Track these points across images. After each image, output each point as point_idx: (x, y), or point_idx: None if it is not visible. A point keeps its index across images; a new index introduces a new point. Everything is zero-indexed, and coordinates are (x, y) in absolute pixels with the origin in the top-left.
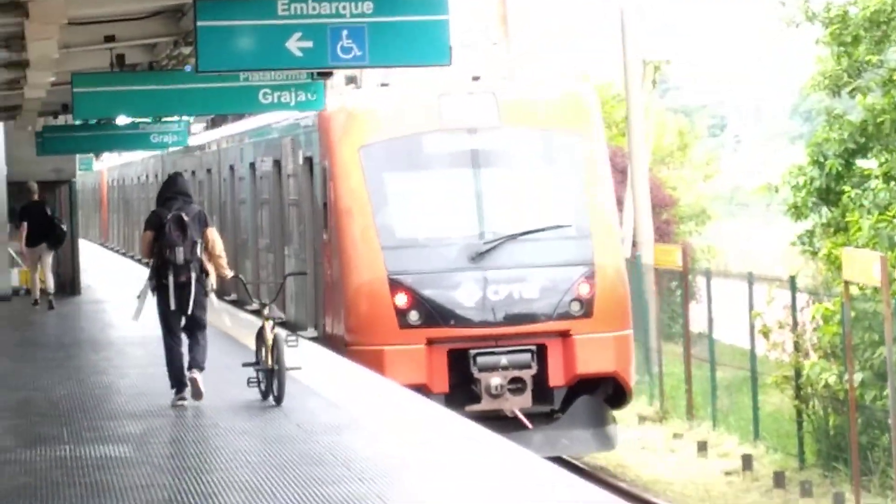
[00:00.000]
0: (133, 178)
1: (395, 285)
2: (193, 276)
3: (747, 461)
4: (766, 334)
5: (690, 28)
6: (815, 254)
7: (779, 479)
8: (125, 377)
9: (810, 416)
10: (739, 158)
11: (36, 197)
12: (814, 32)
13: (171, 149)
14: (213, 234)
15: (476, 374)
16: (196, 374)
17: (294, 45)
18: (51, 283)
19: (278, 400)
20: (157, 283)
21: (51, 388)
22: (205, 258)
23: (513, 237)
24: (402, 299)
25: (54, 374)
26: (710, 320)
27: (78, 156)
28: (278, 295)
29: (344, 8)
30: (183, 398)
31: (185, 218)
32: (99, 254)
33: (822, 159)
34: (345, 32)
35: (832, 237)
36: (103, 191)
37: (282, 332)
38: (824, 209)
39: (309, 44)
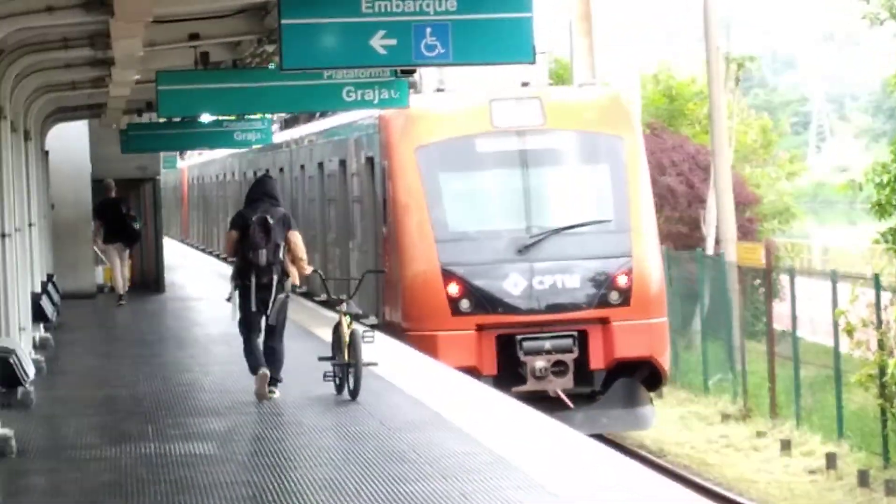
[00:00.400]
0: (212, 177)
1: (447, 275)
2: (275, 278)
3: (831, 460)
4: (849, 332)
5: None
6: None
7: (863, 478)
8: (209, 374)
9: (894, 415)
10: (823, 156)
11: (113, 194)
12: None
13: (246, 148)
14: (295, 237)
15: (522, 357)
16: (275, 393)
17: (378, 42)
18: (124, 280)
19: (354, 395)
20: (240, 284)
21: (136, 385)
22: (287, 260)
23: (557, 231)
24: (454, 288)
25: (139, 372)
26: (794, 318)
27: (162, 154)
28: (356, 291)
29: (428, 5)
30: (265, 374)
31: (270, 220)
32: (180, 250)
33: None
34: (429, 30)
35: None
36: (184, 188)
37: (359, 328)
38: None
39: (393, 41)
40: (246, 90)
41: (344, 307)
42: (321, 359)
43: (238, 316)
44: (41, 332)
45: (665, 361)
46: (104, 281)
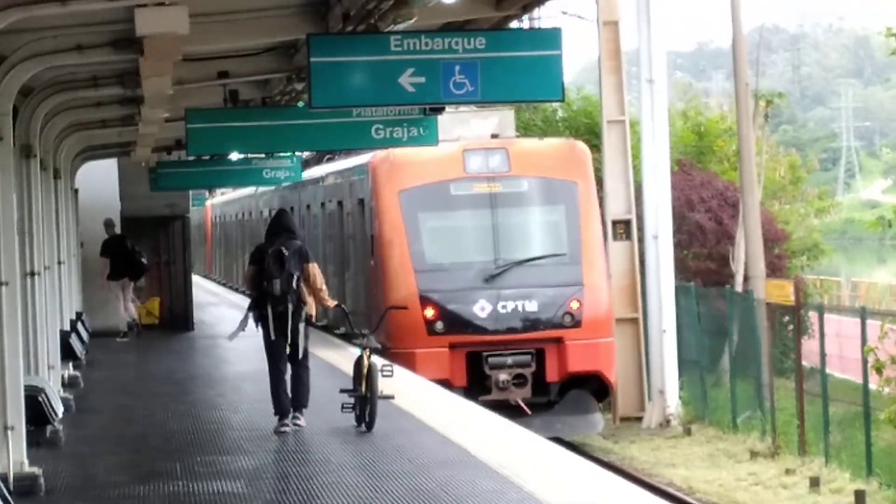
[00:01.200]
0: (232, 215)
1: (424, 301)
2: (290, 307)
3: (860, 497)
4: (878, 369)
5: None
6: None
7: None
8: (237, 412)
9: None
10: (852, 192)
11: (117, 230)
12: None
13: (261, 189)
14: (314, 268)
15: (488, 371)
16: (300, 419)
17: (407, 80)
18: (132, 312)
19: (369, 426)
20: (259, 314)
21: (165, 423)
22: (305, 290)
23: (519, 263)
24: (430, 312)
25: (168, 410)
26: (823, 355)
27: (191, 191)
28: (378, 325)
29: (457, 43)
30: (285, 425)
31: (285, 252)
32: (205, 286)
33: None
34: (457, 68)
35: None
36: (207, 226)
37: (377, 362)
38: None
39: (421, 79)
40: (275, 128)
41: (364, 341)
42: (342, 391)
43: (233, 339)
44: (70, 370)
45: (611, 375)
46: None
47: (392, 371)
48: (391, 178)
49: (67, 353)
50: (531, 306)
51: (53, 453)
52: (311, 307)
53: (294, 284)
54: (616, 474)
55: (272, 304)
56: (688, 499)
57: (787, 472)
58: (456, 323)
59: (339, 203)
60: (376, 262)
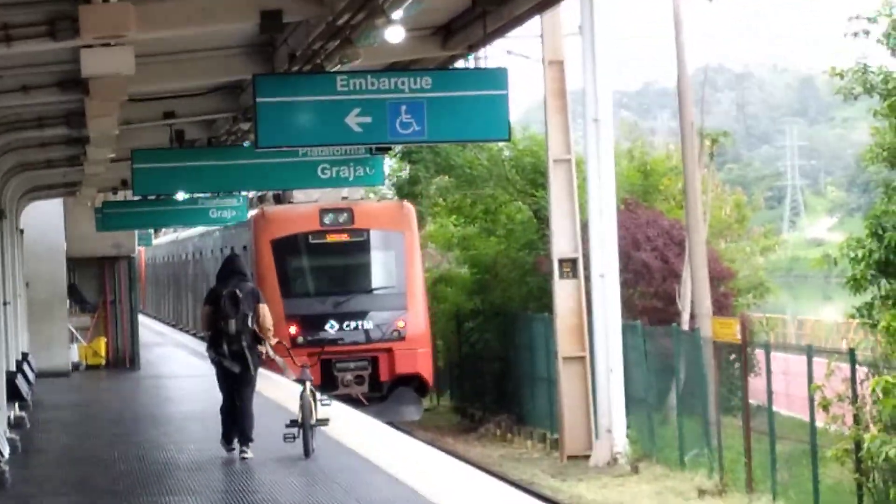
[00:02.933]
0: (161, 258)
1: (289, 321)
2: (245, 344)
3: None
4: (825, 407)
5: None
6: (874, 326)
7: None
8: (184, 452)
9: (871, 490)
10: (797, 230)
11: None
12: (872, 104)
13: (182, 236)
14: (264, 309)
15: (336, 373)
16: (246, 452)
17: (353, 120)
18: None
19: (306, 452)
20: (215, 351)
21: (111, 464)
22: (257, 329)
23: (359, 293)
24: (293, 330)
25: (115, 450)
26: (770, 393)
27: (137, 231)
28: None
29: (403, 83)
30: (232, 448)
31: (239, 294)
32: (149, 325)
33: (881, 231)
34: (404, 108)
35: (891, 309)
36: (142, 266)
37: (314, 394)
38: (883, 281)
39: (368, 119)
40: (221, 168)
41: (302, 375)
42: (288, 424)
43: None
44: (16, 410)
45: (429, 377)
46: (80, 359)
47: (330, 401)
48: (266, 230)
49: (13, 394)
50: (368, 325)
51: None
52: (266, 346)
53: (249, 323)
54: None
55: (227, 343)
56: None
57: None
58: (313, 337)
59: (232, 248)
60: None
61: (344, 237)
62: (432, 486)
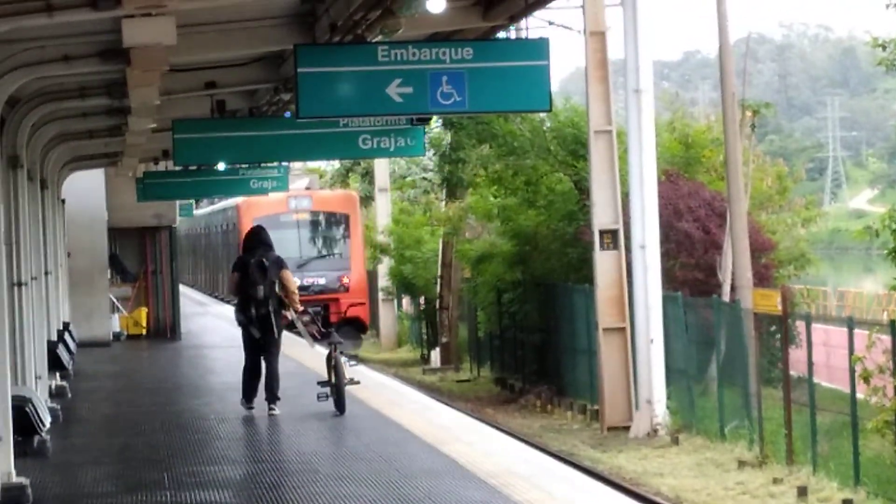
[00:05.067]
0: (183, 231)
1: None
2: (272, 308)
3: None
4: (866, 379)
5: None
6: None
7: None
8: (225, 422)
9: None
10: (839, 202)
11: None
12: None
13: (197, 213)
14: (287, 274)
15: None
16: (274, 409)
17: (394, 91)
18: None
19: (340, 409)
20: (243, 315)
21: (152, 433)
22: (282, 295)
23: (316, 258)
24: None
25: (155, 420)
26: (810, 364)
27: (178, 202)
28: (340, 325)
29: (444, 54)
30: (251, 406)
31: (266, 262)
32: (190, 294)
33: None
34: (445, 78)
35: None
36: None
37: (342, 356)
38: None
39: (409, 90)
40: (262, 138)
41: (330, 338)
42: (319, 383)
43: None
44: (57, 380)
45: (365, 319)
46: (121, 328)
47: (357, 361)
48: (248, 212)
49: (55, 364)
50: (321, 280)
51: (41, 464)
52: (289, 311)
53: (275, 289)
54: (604, 484)
55: (255, 307)
56: None
57: (775, 481)
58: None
59: (224, 226)
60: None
61: (305, 216)
62: (472, 457)
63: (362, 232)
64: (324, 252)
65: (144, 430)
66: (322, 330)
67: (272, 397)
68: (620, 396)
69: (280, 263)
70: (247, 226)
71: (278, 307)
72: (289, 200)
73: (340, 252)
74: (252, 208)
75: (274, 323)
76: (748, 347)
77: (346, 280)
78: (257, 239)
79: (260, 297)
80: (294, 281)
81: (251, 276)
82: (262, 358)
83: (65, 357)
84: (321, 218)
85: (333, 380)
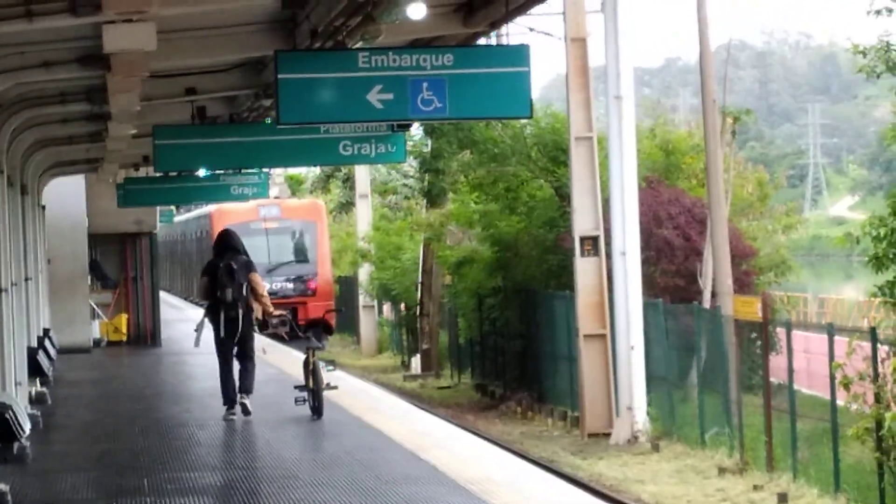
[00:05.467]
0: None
1: None
2: (241, 312)
3: None
4: (846, 385)
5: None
6: None
7: None
8: (205, 429)
9: (892, 468)
10: (819, 209)
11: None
12: (894, 82)
13: (176, 220)
14: (256, 277)
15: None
16: (245, 399)
17: (375, 97)
18: None
19: (318, 413)
20: (212, 318)
21: (132, 439)
22: (251, 298)
23: (284, 264)
24: None
25: (136, 426)
26: (791, 371)
27: (158, 208)
28: (308, 327)
29: (424, 60)
30: (233, 413)
31: (234, 266)
32: (169, 300)
33: None
34: (425, 85)
35: None
36: None
37: (320, 361)
38: None
39: (390, 96)
40: (243, 144)
41: (308, 343)
42: (295, 387)
43: (199, 343)
44: (37, 386)
45: (332, 322)
46: (101, 335)
47: (335, 367)
48: (220, 219)
49: (35, 370)
50: (290, 285)
51: (21, 470)
52: (257, 311)
53: (243, 292)
54: (584, 490)
55: (224, 310)
56: None
57: (756, 488)
58: None
59: (198, 233)
60: None
61: (274, 224)
62: (452, 463)
63: (329, 239)
64: (292, 258)
65: (125, 436)
66: (291, 331)
67: (244, 388)
68: (601, 403)
69: (249, 267)
70: (217, 230)
71: (248, 310)
72: (259, 209)
73: (307, 258)
74: (224, 216)
75: (241, 325)
76: (729, 354)
77: (313, 285)
78: (225, 243)
79: (228, 301)
80: (263, 284)
81: (220, 279)
82: (235, 359)
83: (45, 363)
84: (289, 225)
85: (311, 384)
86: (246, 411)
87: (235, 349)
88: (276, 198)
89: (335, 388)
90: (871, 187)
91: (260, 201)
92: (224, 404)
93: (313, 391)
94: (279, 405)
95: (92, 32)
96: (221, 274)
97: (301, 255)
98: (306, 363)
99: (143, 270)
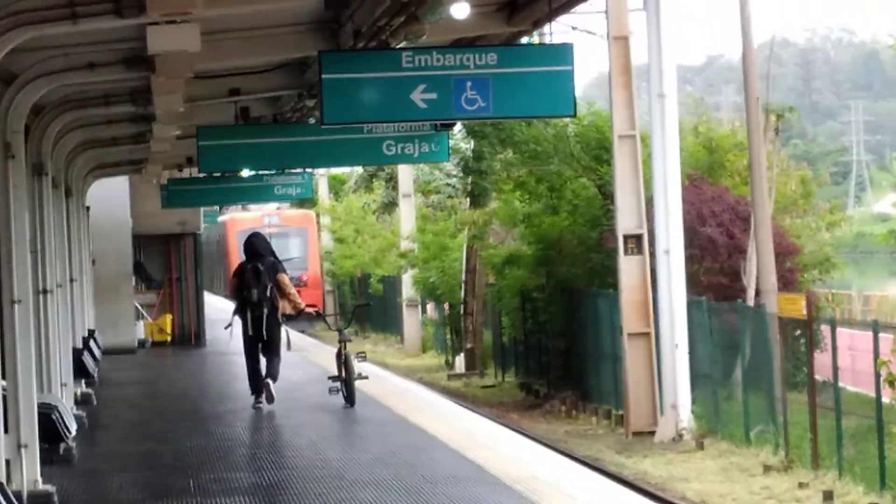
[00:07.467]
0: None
1: None
2: (266, 311)
3: None
4: (891, 382)
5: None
6: None
7: None
8: (250, 429)
9: None
10: (863, 206)
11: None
12: None
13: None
14: (284, 278)
15: None
16: (269, 382)
17: (418, 96)
18: None
19: (350, 402)
20: (241, 316)
21: (177, 440)
22: (277, 297)
23: (282, 260)
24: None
25: (181, 426)
26: (836, 368)
27: (202, 208)
28: (351, 321)
29: (468, 59)
30: (260, 402)
31: (261, 268)
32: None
33: None
34: (469, 84)
35: None
36: (228, 242)
37: (352, 351)
38: None
39: (433, 95)
40: (286, 145)
41: (339, 335)
42: (329, 377)
43: (232, 339)
44: (83, 387)
45: (322, 307)
46: (146, 335)
47: (365, 357)
48: (233, 226)
49: (80, 371)
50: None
51: (67, 471)
52: (285, 308)
53: (268, 293)
54: (629, 489)
55: (250, 309)
56: None
57: (801, 485)
58: None
59: (217, 237)
60: (225, 264)
61: (276, 230)
62: (497, 462)
63: (318, 242)
64: (288, 256)
65: (170, 436)
66: (317, 317)
67: (270, 374)
68: (645, 401)
69: (276, 268)
70: (232, 238)
71: (273, 309)
72: (263, 218)
73: (300, 256)
74: (236, 223)
75: (265, 324)
76: (773, 352)
77: (304, 277)
78: (250, 247)
79: (254, 301)
80: (289, 283)
81: (247, 280)
82: (261, 355)
83: (90, 364)
84: (286, 231)
85: (344, 375)
86: (270, 397)
87: (261, 345)
88: (277, 208)
89: (366, 377)
90: None
91: (265, 211)
92: (252, 394)
93: (345, 381)
94: (323, 406)
95: (136, 34)
96: (248, 275)
97: (295, 253)
98: (338, 354)
99: (187, 271)
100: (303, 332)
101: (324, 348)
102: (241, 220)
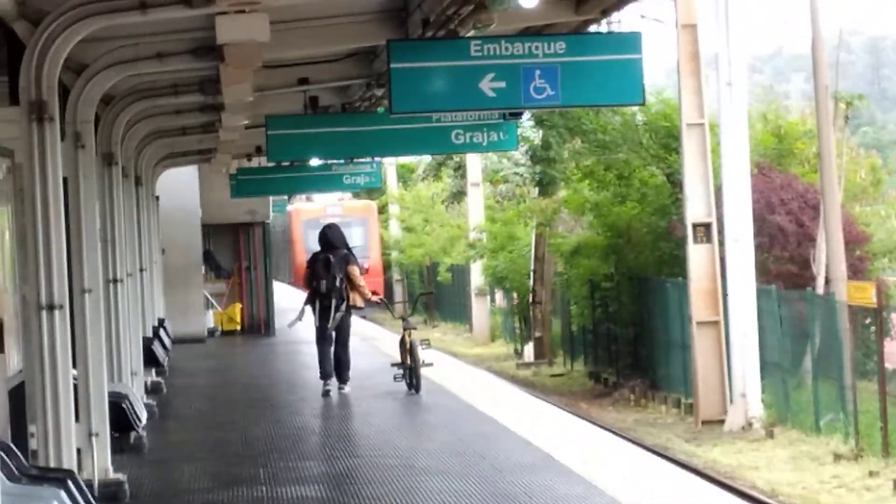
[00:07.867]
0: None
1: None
2: (334, 301)
3: None
4: None
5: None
6: None
7: None
8: (320, 417)
9: None
10: None
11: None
12: None
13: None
14: (354, 270)
15: None
16: (344, 388)
17: (487, 85)
18: None
19: (416, 388)
20: (312, 306)
21: (247, 428)
22: (347, 288)
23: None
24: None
25: (250, 415)
26: None
27: (271, 197)
28: (414, 310)
29: (537, 48)
30: (328, 386)
31: (331, 259)
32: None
33: None
34: (537, 72)
35: None
36: (293, 232)
37: (416, 338)
38: None
39: (502, 84)
40: (355, 134)
41: (403, 323)
42: (393, 364)
43: (294, 324)
44: (153, 376)
45: (381, 292)
46: (215, 324)
47: (429, 344)
48: (297, 217)
49: (150, 360)
50: None
51: (138, 459)
52: (353, 300)
53: (337, 284)
54: (699, 477)
55: (320, 299)
56: (771, 501)
57: (871, 474)
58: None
59: (283, 227)
60: (291, 252)
61: (338, 219)
62: (566, 450)
63: (378, 231)
64: (352, 244)
65: (239, 425)
66: (383, 300)
67: (341, 378)
68: (714, 390)
69: (347, 260)
70: (297, 227)
71: (341, 300)
72: (326, 208)
73: (362, 245)
74: (300, 214)
75: (332, 314)
76: (843, 340)
77: (366, 265)
78: (324, 238)
79: (323, 291)
80: (359, 275)
81: (317, 271)
82: (334, 344)
83: (160, 353)
84: (350, 220)
85: (409, 362)
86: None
87: (334, 335)
88: (339, 199)
89: (430, 364)
90: None
91: (327, 203)
92: (321, 378)
93: (411, 368)
94: (391, 393)
95: (205, 24)
96: (318, 266)
97: (358, 241)
98: (402, 342)
99: (256, 260)
100: (364, 317)
101: (388, 335)
102: (304, 210)
